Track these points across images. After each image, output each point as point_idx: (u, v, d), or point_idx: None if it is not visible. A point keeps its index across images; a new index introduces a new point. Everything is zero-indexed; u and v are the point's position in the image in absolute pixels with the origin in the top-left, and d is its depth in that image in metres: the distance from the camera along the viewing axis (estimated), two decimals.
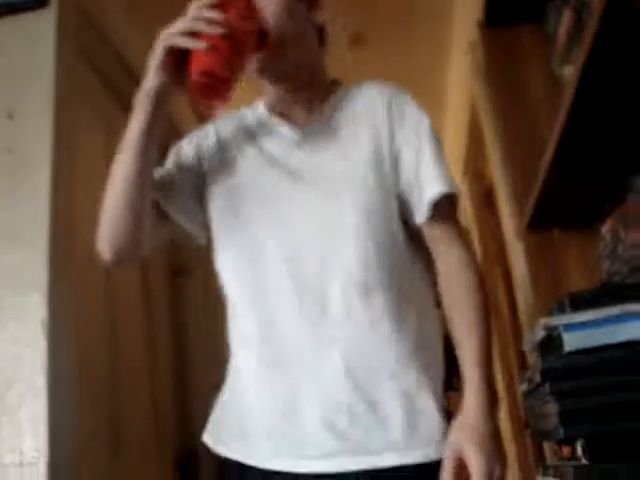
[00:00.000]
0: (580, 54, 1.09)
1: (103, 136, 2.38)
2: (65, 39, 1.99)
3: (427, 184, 1.20)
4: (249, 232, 1.24)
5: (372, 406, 1.14)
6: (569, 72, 1.45)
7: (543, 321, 1.22)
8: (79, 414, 1.84)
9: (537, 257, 1.66)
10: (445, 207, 1.21)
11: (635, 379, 1.12)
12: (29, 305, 1.75)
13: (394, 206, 1.21)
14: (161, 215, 1.28)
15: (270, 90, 1.33)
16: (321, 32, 1.34)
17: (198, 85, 1.08)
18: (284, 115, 1.31)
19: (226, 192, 1.29)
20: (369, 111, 1.27)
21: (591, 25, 1.04)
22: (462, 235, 1.24)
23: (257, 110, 1.36)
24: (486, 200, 3.70)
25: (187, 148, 1.35)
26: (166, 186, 1.29)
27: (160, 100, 1.16)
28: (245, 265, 1.23)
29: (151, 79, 1.15)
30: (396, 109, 1.26)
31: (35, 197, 1.84)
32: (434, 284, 1.26)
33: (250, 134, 1.33)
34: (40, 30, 1.96)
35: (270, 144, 1.30)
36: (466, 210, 4.76)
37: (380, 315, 1.16)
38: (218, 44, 1.06)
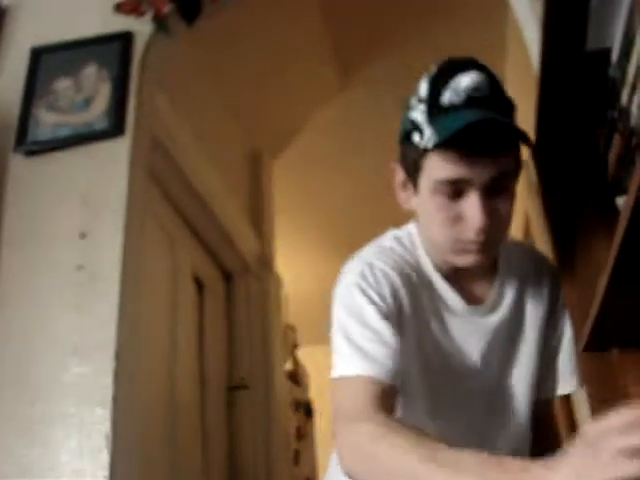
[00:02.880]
0: (632, 184, 1.13)
1: (167, 252, 2.49)
2: (138, 164, 2.12)
3: (566, 376, 1.32)
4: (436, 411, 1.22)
5: None
6: (622, 202, 1.48)
7: None
8: None
9: (595, 379, 1.64)
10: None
11: None
12: (93, 418, 1.80)
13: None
14: None
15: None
16: None
17: None
18: (455, 281, 1.24)
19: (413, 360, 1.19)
20: (535, 290, 1.31)
21: None
22: None
23: (424, 267, 1.25)
24: None
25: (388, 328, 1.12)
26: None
27: None
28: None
29: None
30: (557, 289, 1.34)
31: (103, 312, 1.92)
32: None
33: (425, 298, 1.22)
34: (115, 156, 2.11)
35: (444, 313, 1.23)
36: None
37: None
38: None
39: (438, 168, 1.09)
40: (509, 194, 1.14)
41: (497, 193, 1.11)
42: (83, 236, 2.03)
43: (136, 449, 1.89)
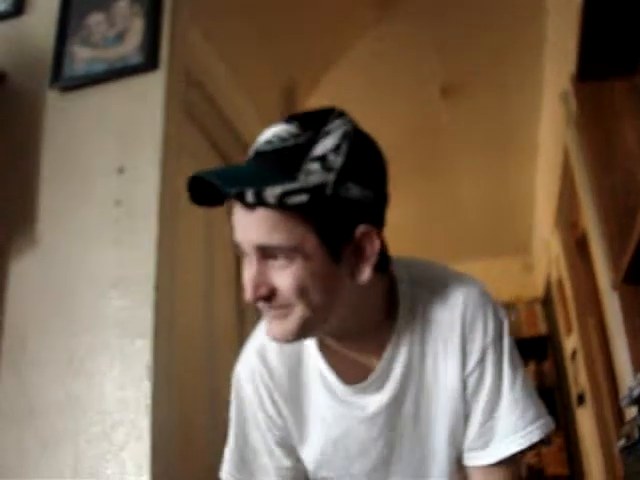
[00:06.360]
0: None
1: None
2: (172, 99, 2.11)
3: (497, 440, 1.08)
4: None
5: None
6: None
7: None
8: (180, 459, 1.90)
9: (633, 310, 1.63)
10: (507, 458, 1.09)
11: None
12: (134, 349, 1.85)
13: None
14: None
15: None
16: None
17: None
18: (341, 357, 1.12)
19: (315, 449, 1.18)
20: (446, 345, 1.08)
21: None
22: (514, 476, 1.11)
23: (306, 348, 1.16)
24: (579, 249, 3.64)
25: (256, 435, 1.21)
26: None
27: None
28: None
29: None
30: (469, 341, 1.08)
31: (142, 246, 1.95)
32: None
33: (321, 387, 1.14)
34: (150, 91, 2.10)
35: (329, 395, 1.14)
36: (559, 259, 4.68)
37: None
38: None
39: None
40: (287, 265, 0.95)
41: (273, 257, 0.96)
42: (121, 171, 2.04)
43: (176, 378, 1.94)
